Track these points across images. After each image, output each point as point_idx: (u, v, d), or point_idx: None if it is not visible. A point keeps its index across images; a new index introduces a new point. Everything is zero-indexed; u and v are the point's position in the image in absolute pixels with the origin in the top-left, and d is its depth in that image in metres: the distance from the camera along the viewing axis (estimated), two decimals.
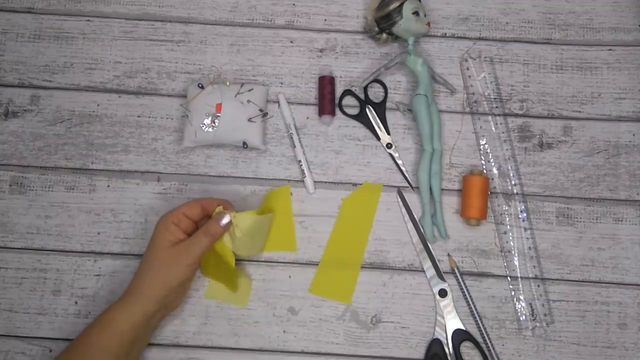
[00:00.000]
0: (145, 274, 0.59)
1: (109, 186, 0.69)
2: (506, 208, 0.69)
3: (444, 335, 0.65)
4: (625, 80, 0.72)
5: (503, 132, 0.70)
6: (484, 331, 0.65)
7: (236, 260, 0.64)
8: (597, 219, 0.69)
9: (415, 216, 0.68)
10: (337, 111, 0.71)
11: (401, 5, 0.68)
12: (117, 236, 0.68)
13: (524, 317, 0.66)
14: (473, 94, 0.71)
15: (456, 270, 0.67)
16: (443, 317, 0.66)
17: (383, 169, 0.70)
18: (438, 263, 0.67)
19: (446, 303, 0.66)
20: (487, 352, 0.65)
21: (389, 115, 0.71)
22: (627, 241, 0.68)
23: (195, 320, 0.66)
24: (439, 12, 0.74)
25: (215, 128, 0.67)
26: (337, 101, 0.71)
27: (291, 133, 0.69)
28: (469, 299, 0.66)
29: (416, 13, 0.68)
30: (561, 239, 0.68)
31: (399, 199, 0.69)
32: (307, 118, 0.71)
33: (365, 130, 0.71)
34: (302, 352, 0.65)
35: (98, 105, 0.71)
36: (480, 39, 0.73)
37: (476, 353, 0.65)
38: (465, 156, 0.70)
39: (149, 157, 0.70)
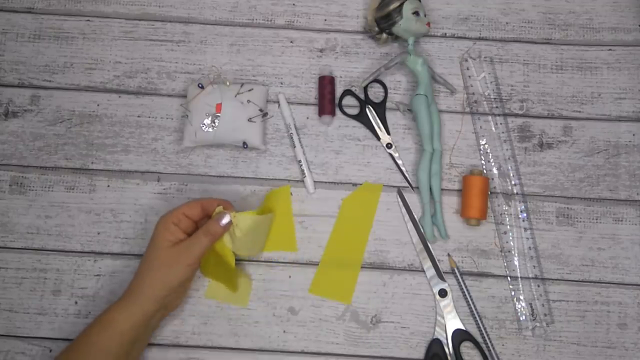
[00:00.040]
0: (145, 274, 0.59)
1: (109, 186, 0.69)
2: (506, 208, 0.69)
3: (444, 335, 0.65)
4: (625, 80, 0.72)
5: (503, 132, 0.70)
6: (484, 331, 0.65)
7: (236, 260, 0.64)
8: (597, 219, 0.69)
9: (415, 216, 0.68)
10: (337, 111, 0.71)
11: (401, 5, 0.68)
12: (117, 236, 0.68)
13: (524, 317, 0.66)
14: (473, 94, 0.71)
15: (456, 270, 0.67)
16: (443, 317, 0.66)
17: (383, 169, 0.70)
18: (438, 263, 0.67)
19: (446, 303, 0.66)
20: (487, 352, 0.65)
21: (389, 115, 0.71)
22: (627, 241, 0.68)
23: (195, 320, 0.66)
24: (439, 12, 0.74)
25: (215, 128, 0.67)
26: (337, 101, 0.71)
27: (291, 133, 0.69)
28: (469, 299, 0.66)
29: (416, 13, 0.68)
30: (561, 239, 0.68)
31: (399, 199, 0.69)
32: (307, 118, 0.71)
33: (365, 130, 0.71)
34: (302, 352, 0.65)
35: (98, 105, 0.71)
36: (480, 39, 0.73)
37: (476, 353, 0.65)
38: (465, 156, 0.70)
39: (149, 157, 0.70)
